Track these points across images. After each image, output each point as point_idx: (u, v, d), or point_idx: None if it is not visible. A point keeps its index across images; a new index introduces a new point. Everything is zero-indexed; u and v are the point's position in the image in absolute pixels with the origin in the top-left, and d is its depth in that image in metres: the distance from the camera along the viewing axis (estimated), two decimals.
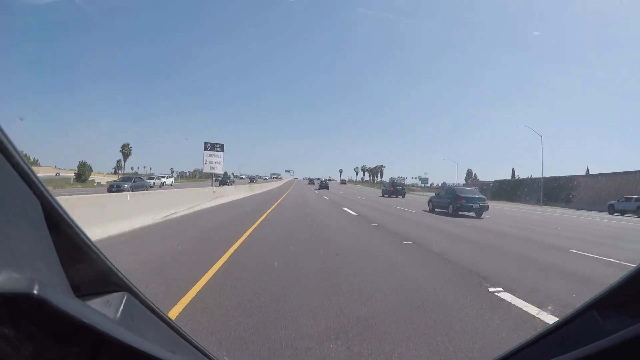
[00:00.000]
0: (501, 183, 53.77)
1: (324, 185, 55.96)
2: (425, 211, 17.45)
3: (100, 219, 6.60)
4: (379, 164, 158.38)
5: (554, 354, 0.65)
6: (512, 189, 47.64)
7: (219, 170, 24.77)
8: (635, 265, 0.62)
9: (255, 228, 8.69)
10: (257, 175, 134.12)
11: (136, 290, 0.64)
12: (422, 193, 56.30)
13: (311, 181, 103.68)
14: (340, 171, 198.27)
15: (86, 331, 0.44)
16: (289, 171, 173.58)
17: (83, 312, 0.44)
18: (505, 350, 0.84)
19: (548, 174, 41.36)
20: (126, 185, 26.30)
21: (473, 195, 15.89)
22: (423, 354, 2.49)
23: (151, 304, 0.68)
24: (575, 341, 0.64)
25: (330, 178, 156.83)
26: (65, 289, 0.49)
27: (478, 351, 2.55)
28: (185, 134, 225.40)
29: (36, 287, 0.38)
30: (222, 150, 24.23)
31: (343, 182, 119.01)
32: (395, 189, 36.44)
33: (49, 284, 0.40)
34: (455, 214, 15.40)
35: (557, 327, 0.73)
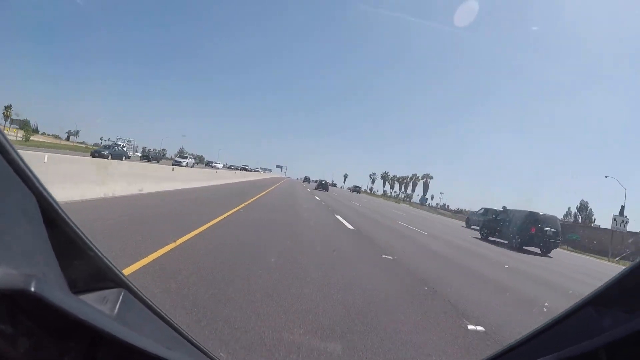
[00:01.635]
0: None
1: (322, 186, 44.89)
2: None
3: None
4: (415, 173, 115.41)
5: (551, 350, 0.66)
6: None
7: None
8: (632, 262, 0.63)
9: None
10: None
11: (132, 286, 0.64)
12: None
13: (306, 179, 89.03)
14: (345, 176, 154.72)
15: (83, 327, 0.44)
16: (280, 167, 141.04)
17: (79, 309, 0.44)
18: (502, 347, 0.84)
19: None
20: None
21: None
22: None
23: (148, 300, 0.68)
24: (572, 337, 0.64)
25: (334, 182, 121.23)
26: (61, 285, 0.49)
27: None
28: (190, 124, 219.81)
29: (33, 283, 0.38)
30: None
31: (356, 189, 79.56)
32: (540, 234, 14.37)
33: (45, 280, 0.40)
34: None
35: (553, 324, 0.73)
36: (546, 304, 5.31)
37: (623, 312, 0.59)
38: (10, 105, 75.88)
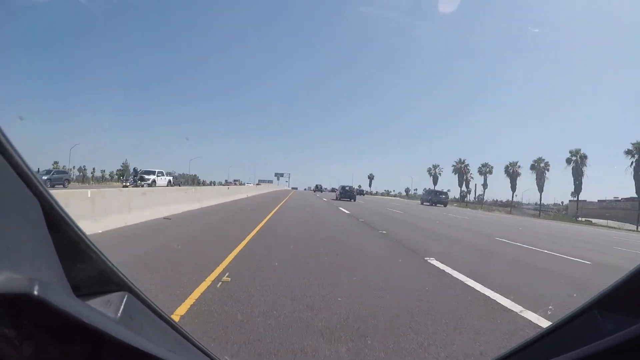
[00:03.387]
0: None
1: (346, 194, 31.61)
2: None
3: None
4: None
5: (556, 353, 0.65)
6: None
7: None
8: (636, 265, 0.62)
9: None
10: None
11: (136, 289, 0.64)
12: None
13: (318, 188, 70.39)
14: (370, 178, 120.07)
15: (86, 331, 0.44)
16: (280, 175, 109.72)
17: (83, 312, 0.44)
18: (506, 350, 0.84)
19: None
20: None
21: None
22: None
23: (152, 304, 0.68)
24: (577, 340, 0.64)
25: (361, 189, 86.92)
26: (65, 288, 0.49)
27: None
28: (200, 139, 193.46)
29: (36, 287, 0.38)
30: None
31: (440, 198, 41.07)
32: None
33: (49, 284, 0.40)
34: None
35: (558, 326, 0.73)
36: None
37: (628, 315, 0.58)
38: None
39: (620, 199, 55.49)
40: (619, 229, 35.23)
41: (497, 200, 79.58)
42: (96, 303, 0.56)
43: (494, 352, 2.48)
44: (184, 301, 3.34)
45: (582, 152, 52.94)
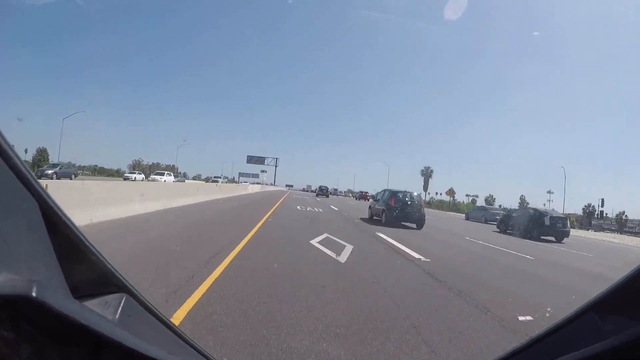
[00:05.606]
0: None
1: (404, 213, 12.66)
2: None
3: None
4: None
5: (553, 356, 0.65)
6: None
7: None
8: (634, 267, 0.62)
9: None
10: None
11: (135, 291, 0.64)
12: None
13: (322, 191, 50.49)
14: (426, 174, 71.57)
15: (85, 332, 0.44)
16: (259, 160, 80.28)
17: (82, 314, 0.44)
18: (504, 352, 0.84)
19: None
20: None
21: None
22: None
23: (150, 305, 0.68)
24: (575, 343, 0.64)
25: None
26: (63, 290, 0.49)
27: None
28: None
29: (34, 288, 0.38)
30: None
31: None
32: None
33: (47, 286, 0.40)
34: None
35: (556, 329, 0.73)
36: None
37: (626, 317, 0.58)
38: None
39: None
40: None
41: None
42: (94, 304, 0.56)
43: None
44: None
45: None
